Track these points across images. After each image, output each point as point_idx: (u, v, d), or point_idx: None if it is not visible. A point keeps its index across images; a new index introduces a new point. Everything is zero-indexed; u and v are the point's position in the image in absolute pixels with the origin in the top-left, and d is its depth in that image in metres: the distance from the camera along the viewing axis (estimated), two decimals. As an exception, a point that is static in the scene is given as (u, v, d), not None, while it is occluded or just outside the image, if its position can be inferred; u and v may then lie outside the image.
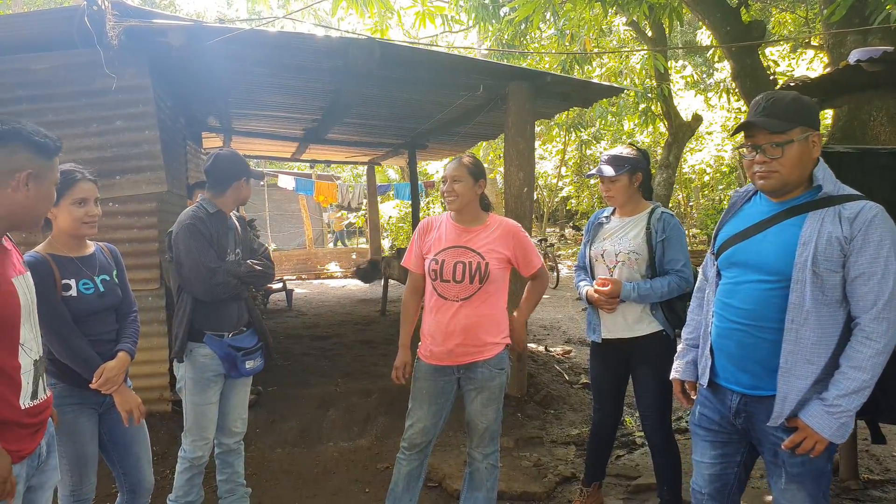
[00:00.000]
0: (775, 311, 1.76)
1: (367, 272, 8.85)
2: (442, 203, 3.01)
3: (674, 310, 2.66)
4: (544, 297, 10.26)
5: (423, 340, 2.64)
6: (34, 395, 1.62)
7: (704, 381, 1.96)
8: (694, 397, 2.11)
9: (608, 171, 2.68)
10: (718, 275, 1.96)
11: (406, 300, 2.76)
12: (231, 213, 2.73)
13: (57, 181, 1.66)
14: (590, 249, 2.82)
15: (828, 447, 1.71)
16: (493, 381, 2.56)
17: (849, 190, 1.75)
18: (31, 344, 1.61)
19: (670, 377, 2.17)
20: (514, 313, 2.73)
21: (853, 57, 2.32)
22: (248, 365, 2.64)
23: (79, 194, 2.13)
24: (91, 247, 2.28)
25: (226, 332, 2.60)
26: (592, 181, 17.49)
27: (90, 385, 2.12)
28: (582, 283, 2.83)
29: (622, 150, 2.75)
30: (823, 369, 1.71)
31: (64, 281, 2.11)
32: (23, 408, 1.57)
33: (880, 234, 1.64)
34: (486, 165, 15.78)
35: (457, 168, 2.56)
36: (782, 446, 1.75)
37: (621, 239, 2.71)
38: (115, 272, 2.32)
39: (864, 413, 2.00)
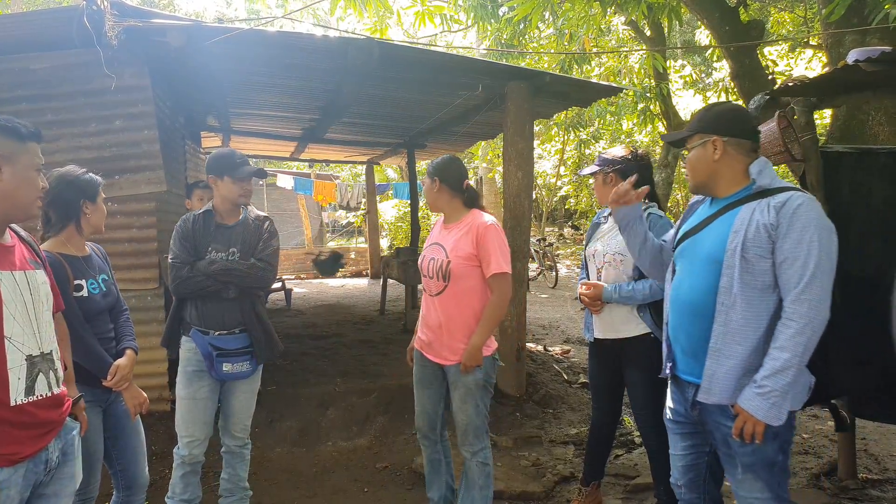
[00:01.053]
0: (714, 300, 1.84)
1: (326, 264, 8.36)
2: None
3: (662, 312, 2.66)
4: (542, 296, 10.29)
5: (417, 329, 2.80)
6: (29, 392, 1.54)
7: (667, 371, 2.06)
8: None
9: (586, 169, 2.84)
10: (674, 270, 2.06)
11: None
12: (243, 210, 2.69)
13: (37, 167, 1.61)
14: (586, 249, 2.88)
15: (771, 434, 1.76)
16: (468, 378, 2.58)
17: (784, 183, 1.84)
18: (21, 338, 1.53)
19: (659, 376, 2.20)
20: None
21: (852, 57, 2.31)
22: (226, 368, 2.55)
23: (103, 192, 2.31)
24: (87, 247, 2.31)
25: (211, 329, 2.59)
26: (590, 181, 17.51)
27: (104, 383, 2.16)
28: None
29: (615, 149, 2.80)
30: (752, 351, 1.77)
31: (76, 281, 2.13)
32: (13, 404, 1.50)
33: (805, 221, 1.72)
34: (484, 165, 15.78)
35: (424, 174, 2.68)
36: (732, 434, 1.81)
37: (611, 240, 2.74)
38: (109, 271, 2.37)
39: (818, 400, 2.04)
